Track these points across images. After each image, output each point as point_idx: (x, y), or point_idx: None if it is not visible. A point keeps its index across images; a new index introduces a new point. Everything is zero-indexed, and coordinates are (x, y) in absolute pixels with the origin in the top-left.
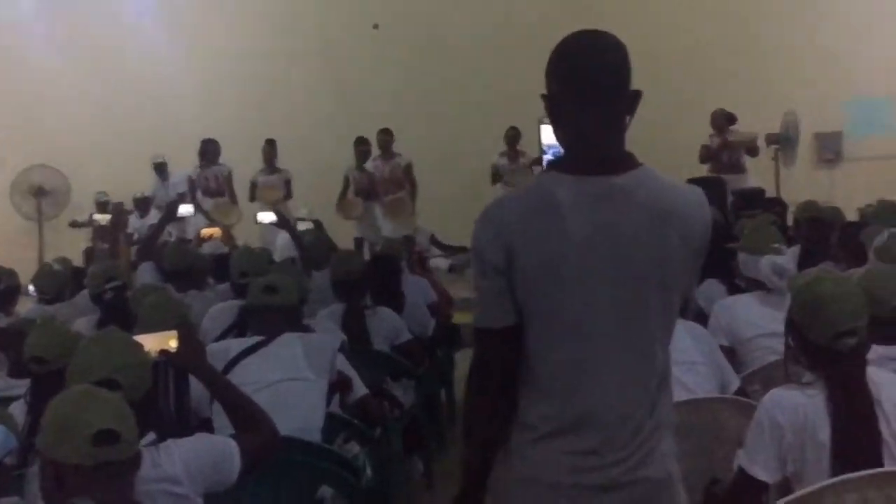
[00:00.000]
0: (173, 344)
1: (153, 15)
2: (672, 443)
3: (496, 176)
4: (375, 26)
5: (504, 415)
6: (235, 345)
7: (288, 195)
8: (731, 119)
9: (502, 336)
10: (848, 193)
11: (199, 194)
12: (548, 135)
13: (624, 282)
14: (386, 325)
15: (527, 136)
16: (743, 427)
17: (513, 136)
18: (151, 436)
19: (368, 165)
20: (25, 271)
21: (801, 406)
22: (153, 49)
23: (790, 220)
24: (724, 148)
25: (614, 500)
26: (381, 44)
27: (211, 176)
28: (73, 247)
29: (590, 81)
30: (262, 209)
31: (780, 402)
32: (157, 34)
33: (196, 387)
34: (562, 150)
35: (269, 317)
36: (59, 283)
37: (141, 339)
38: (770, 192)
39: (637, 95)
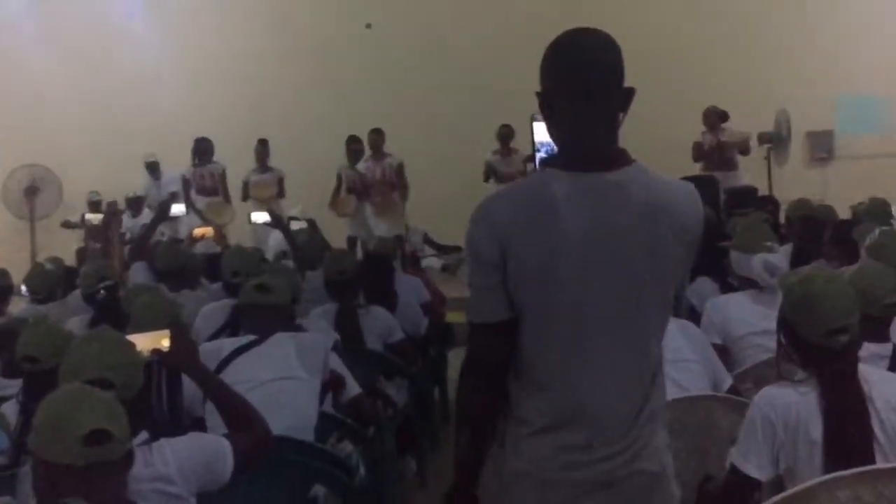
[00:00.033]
0: (166, 343)
1: (145, 15)
2: (666, 436)
3: (489, 173)
4: (368, 26)
5: (497, 409)
6: (228, 344)
7: (280, 194)
8: (723, 116)
9: (497, 330)
10: (840, 191)
11: (192, 193)
12: (540, 132)
13: (619, 277)
14: (379, 324)
15: (519, 133)
16: (736, 425)
17: (505, 133)
18: (144, 435)
19: (360, 166)
20: (18, 271)
21: (793, 404)
22: (145, 49)
23: (782, 219)
24: (717, 149)
25: (612, 495)
26: (374, 43)
27: (206, 174)
28: (65, 246)
29: (583, 79)
30: (256, 208)
31: (772, 400)
32: (149, 34)
33: (189, 386)
34: (555, 148)
35: (261, 316)
36: (51, 282)
37: (133, 338)
38: (762, 191)
39: (630, 93)
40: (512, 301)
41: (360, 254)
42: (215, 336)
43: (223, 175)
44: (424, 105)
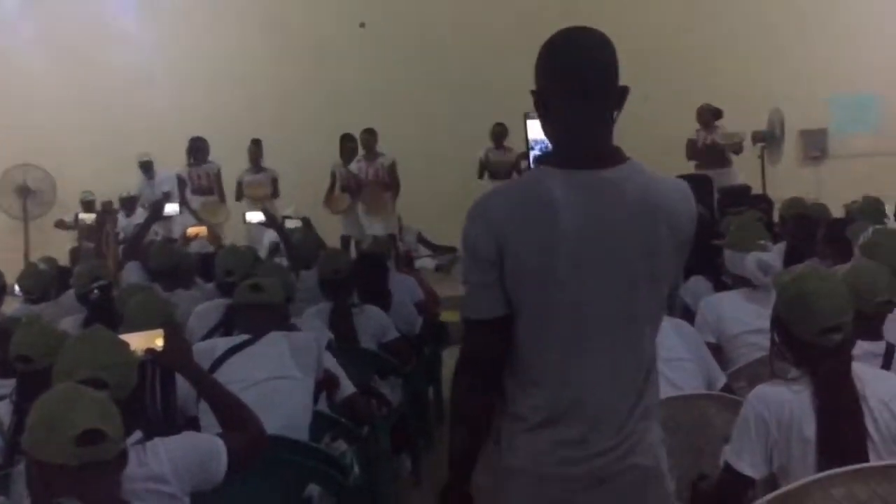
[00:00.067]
0: (159, 343)
1: (138, 14)
2: (660, 432)
3: (482, 168)
4: (362, 25)
5: (492, 405)
6: (222, 343)
7: (275, 194)
8: (717, 114)
9: (493, 326)
10: (833, 190)
11: (188, 193)
12: (534, 130)
13: (615, 274)
14: (373, 324)
15: (513, 131)
16: (729, 423)
17: (499, 132)
18: (138, 434)
19: (352, 166)
20: (11, 271)
21: (786, 402)
22: (139, 49)
23: (776, 217)
24: (712, 148)
25: (607, 490)
26: (368, 43)
27: (202, 174)
28: (58, 246)
29: (579, 78)
30: (250, 208)
31: (765, 399)
32: (143, 34)
33: (182, 385)
34: (549, 145)
35: (255, 315)
36: (44, 282)
37: (127, 338)
38: (756, 189)
39: (624, 91)
40: (508, 298)
41: (353, 253)
42: (209, 335)
43: (218, 175)
44: (418, 104)
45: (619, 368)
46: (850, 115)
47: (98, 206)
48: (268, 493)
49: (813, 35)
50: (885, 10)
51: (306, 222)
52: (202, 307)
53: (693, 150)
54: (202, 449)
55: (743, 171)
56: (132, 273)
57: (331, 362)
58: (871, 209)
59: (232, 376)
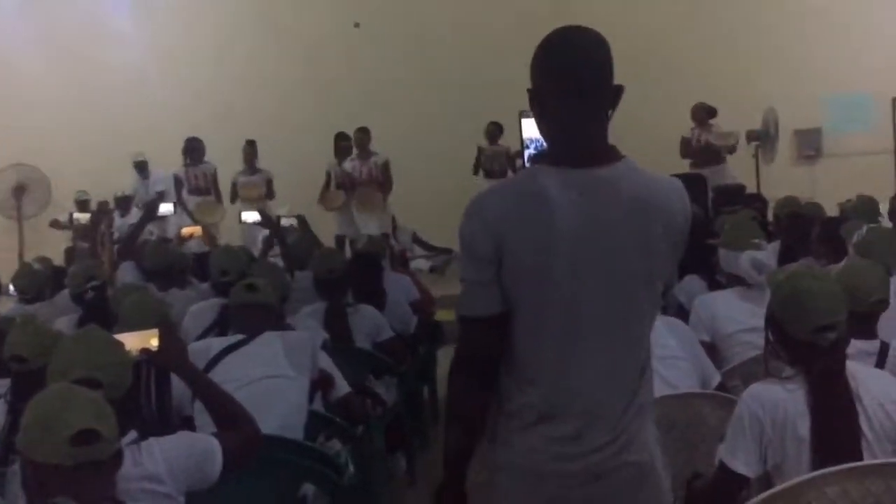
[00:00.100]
0: (154, 343)
1: (133, 14)
2: (654, 430)
3: (478, 163)
4: (356, 25)
5: (487, 404)
6: (216, 343)
7: (269, 195)
8: (711, 112)
9: (490, 324)
10: (828, 189)
11: (184, 193)
12: (529, 128)
13: (611, 272)
14: (368, 323)
15: (508, 130)
16: (724, 422)
17: (494, 130)
18: (133, 434)
19: (346, 165)
20: (5, 271)
21: (781, 401)
22: (133, 49)
23: (770, 216)
24: (706, 147)
25: (602, 486)
26: (362, 42)
27: (199, 174)
28: (53, 246)
29: (575, 77)
30: (246, 208)
31: (760, 397)
32: (137, 34)
33: (177, 385)
34: (544, 144)
35: (249, 315)
36: (39, 282)
37: (122, 337)
38: (750, 189)
39: (619, 90)
40: (505, 295)
41: (348, 252)
42: (204, 335)
43: (215, 175)
44: (413, 104)
45: (615, 366)
46: (844, 115)
47: (93, 206)
48: (263, 493)
49: (807, 35)
50: (879, 9)
51: (302, 220)
52: (197, 307)
53: (687, 148)
54: (197, 448)
55: (737, 170)
56: (127, 273)
57: (326, 362)
58: (865, 208)
59: (227, 376)
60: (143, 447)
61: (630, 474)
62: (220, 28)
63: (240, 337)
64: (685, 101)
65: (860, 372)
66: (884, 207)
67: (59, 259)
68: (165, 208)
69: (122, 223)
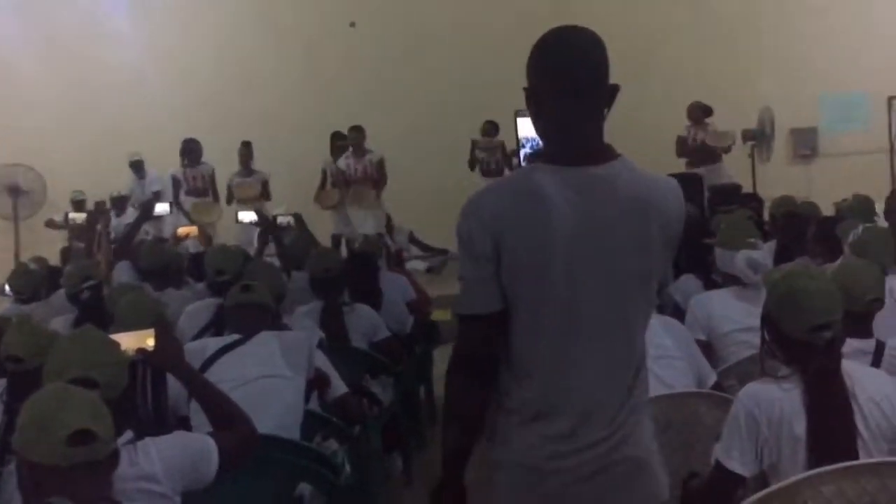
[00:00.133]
0: (150, 342)
1: (130, 14)
2: (651, 427)
3: (473, 159)
4: (352, 24)
5: (485, 403)
6: (213, 343)
7: (266, 196)
8: (707, 111)
9: (489, 322)
10: (823, 188)
11: (182, 194)
12: (524, 127)
13: (608, 270)
14: (364, 322)
15: (504, 128)
16: (720, 421)
17: (489, 129)
18: (129, 434)
19: (341, 163)
20: (1, 271)
21: (777, 400)
22: (130, 48)
23: (766, 216)
24: (702, 147)
25: (600, 482)
26: (359, 42)
27: (198, 175)
28: (49, 246)
29: (571, 76)
30: (242, 209)
31: (756, 396)
32: (135, 33)
33: (173, 385)
34: (540, 143)
35: (245, 315)
36: (34, 282)
37: (118, 337)
38: (746, 188)
39: (615, 89)
40: (504, 293)
41: (344, 252)
42: (200, 335)
43: (213, 176)
44: (409, 103)
45: (611, 364)
46: (840, 114)
47: (89, 206)
48: (259, 493)
49: (803, 34)
50: (875, 9)
51: (298, 218)
52: (193, 307)
53: (683, 147)
54: (193, 448)
55: (733, 169)
56: (123, 273)
57: (322, 361)
58: (860, 207)
59: (223, 376)
60: (139, 447)
61: (628, 469)
62: (218, 28)
63: (236, 337)
64: (683, 101)
65: (856, 371)
66: (880, 207)
67: (54, 259)
68: (161, 208)
69: (118, 223)
